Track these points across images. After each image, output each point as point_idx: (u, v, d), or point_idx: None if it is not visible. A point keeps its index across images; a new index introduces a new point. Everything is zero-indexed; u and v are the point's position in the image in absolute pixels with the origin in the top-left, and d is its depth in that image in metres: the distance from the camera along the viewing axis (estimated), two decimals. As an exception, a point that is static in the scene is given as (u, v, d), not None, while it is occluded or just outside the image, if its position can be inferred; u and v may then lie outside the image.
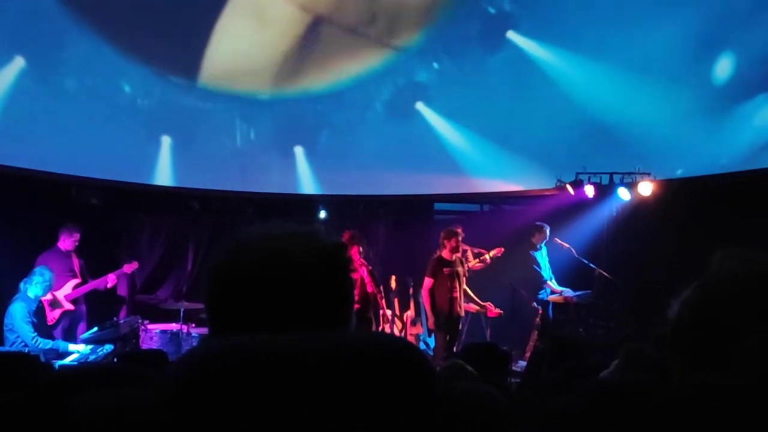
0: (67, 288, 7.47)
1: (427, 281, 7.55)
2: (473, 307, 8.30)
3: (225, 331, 1.03)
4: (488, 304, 8.31)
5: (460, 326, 7.84)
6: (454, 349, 7.36)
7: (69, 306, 7.46)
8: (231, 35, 9.10)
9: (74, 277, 7.64)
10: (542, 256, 8.73)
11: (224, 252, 1.06)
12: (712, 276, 1.19)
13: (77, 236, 7.72)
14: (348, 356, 0.93)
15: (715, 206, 7.85)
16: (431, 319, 7.57)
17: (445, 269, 7.53)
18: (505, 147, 9.31)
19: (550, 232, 8.74)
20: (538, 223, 8.79)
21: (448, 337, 7.55)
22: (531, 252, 8.64)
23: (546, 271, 8.72)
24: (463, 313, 7.76)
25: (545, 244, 8.78)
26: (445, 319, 7.51)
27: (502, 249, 8.42)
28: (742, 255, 1.21)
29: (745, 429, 1.02)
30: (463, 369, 3.02)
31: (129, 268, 8.13)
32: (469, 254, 8.26)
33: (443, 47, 9.55)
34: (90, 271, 7.88)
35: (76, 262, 7.77)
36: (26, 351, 6.09)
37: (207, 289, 1.06)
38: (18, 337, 6.46)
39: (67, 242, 7.66)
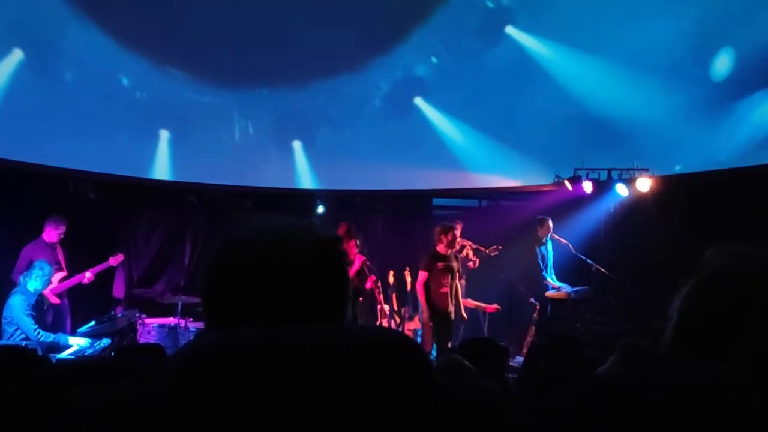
0: (53, 282, 7.28)
1: (422, 275, 7.57)
2: (471, 302, 8.32)
3: (221, 324, 1.03)
4: (487, 306, 8.36)
5: (452, 322, 7.84)
6: (449, 344, 7.38)
7: (55, 300, 7.36)
8: (229, 27, 9.08)
9: (60, 269, 7.53)
10: (548, 251, 8.71)
11: (220, 245, 1.06)
12: (713, 271, 1.20)
13: (63, 228, 7.60)
14: (345, 350, 0.93)
15: (713, 202, 7.86)
16: (426, 312, 7.59)
17: (438, 263, 7.56)
18: (504, 142, 9.30)
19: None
20: (540, 216, 8.77)
21: (440, 333, 7.54)
22: (537, 247, 8.61)
23: (550, 266, 8.70)
24: (453, 308, 7.73)
25: (549, 238, 8.74)
26: (437, 314, 7.53)
27: (500, 247, 8.42)
28: (735, 250, 1.21)
29: (741, 423, 1.02)
30: (461, 364, 3.02)
31: (114, 260, 7.98)
32: (468, 249, 8.27)
33: (442, 42, 9.54)
34: (86, 266, 7.76)
35: (61, 254, 7.66)
36: (25, 344, 6.09)
37: (203, 282, 1.06)
38: (17, 329, 6.46)
39: (52, 234, 7.54)
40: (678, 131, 8.38)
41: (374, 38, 9.49)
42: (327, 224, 1.13)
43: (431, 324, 7.55)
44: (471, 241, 8.34)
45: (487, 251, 8.36)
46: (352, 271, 7.78)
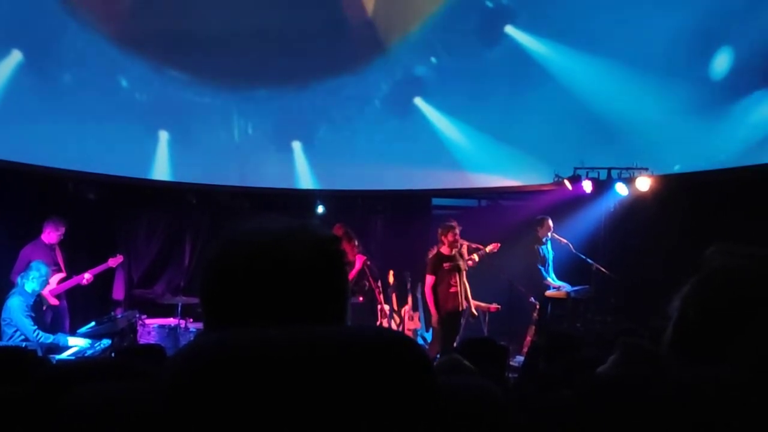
0: (52, 283, 7.28)
1: (429, 279, 7.53)
2: (472, 302, 8.31)
3: (221, 325, 1.03)
4: (488, 306, 8.35)
5: (462, 321, 7.83)
6: (454, 344, 7.37)
7: (54, 301, 7.34)
8: (229, 27, 9.07)
9: (59, 271, 7.52)
10: (548, 250, 8.71)
11: (218, 246, 1.06)
12: (712, 271, 1.20)
13: (63, 230, 7.59)
14: (345, 350, 0.93)
15: (713, 202, 7.86)
16: (435, 317, 7.55)
17: (445, 264, 7.54)
18: (503, 142, 9.30)
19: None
20: (540, 216, 8.76)
21: (449, 334, 7.51)
22: (537, 246, 8.60)
23: (550, 266, 8.69)
24: (464, 307, 7.71)
25: (549, 238, 8.72)
26: (448, 315, 7.51)
27: (498, 244, 8.42)
28: (735, 250, 1.22)
29: (739, 421, 1.02)
30: (461, 363, 3.02)
31: (114, 261, 7.98)
32: (465, 249, 8.26)
33: (441, 42, 9.53)
34: (86, 267, 7.75)
35: (60, 256, 7.65)
36: (25, 345, 6.09)
37: (201, 283, 1.06)
38: (16, 330, 6.45)
39: (52, 235, 7.54)
40: (678, 130, 8.38)
41: (374, 38, 9.48)
42: (326, 224, 1.13)
43: (441, 326, 7.52)
44: (468, 241, 8.34)
45: (487, 250, 8.36)
46: (354, 271, 7.78)
